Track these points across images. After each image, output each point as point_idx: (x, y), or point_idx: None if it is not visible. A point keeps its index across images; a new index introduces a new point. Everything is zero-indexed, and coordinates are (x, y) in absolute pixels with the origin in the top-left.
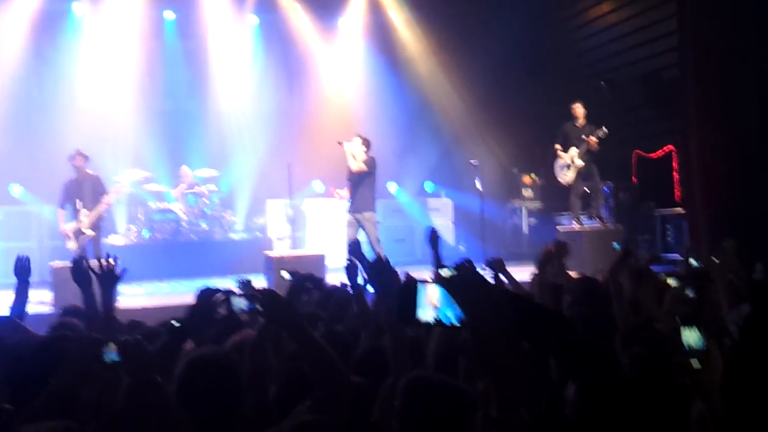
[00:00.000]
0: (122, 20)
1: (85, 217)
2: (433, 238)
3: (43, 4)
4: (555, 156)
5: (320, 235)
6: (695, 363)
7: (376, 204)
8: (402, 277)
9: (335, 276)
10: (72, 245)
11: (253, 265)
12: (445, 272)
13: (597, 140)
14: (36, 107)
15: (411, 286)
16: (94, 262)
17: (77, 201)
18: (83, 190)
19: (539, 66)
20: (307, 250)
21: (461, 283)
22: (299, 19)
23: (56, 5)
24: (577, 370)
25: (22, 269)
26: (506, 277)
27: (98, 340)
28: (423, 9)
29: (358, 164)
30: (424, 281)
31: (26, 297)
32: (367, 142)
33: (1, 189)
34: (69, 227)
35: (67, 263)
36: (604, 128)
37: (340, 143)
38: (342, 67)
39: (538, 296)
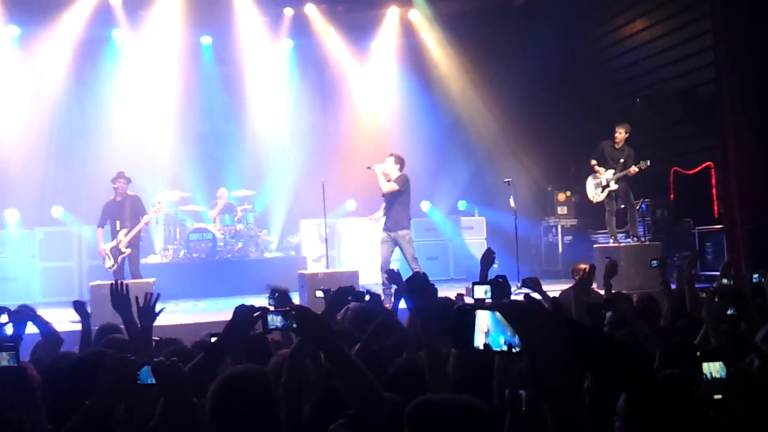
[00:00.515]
0: (160, 46)
1: (124, 236)
2: (488, 258)
3: (85, 31)
4: (590, 171)
5: (354, 254)
6: (717, 395)
7: (410, 222)
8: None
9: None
10: (110, 264)
11: (288, 283)
12: (481, 289)
13: (637, 171)
14: (77, 131)
15: (466, 312)
16: (132, 288)
17: (117, 221)
18: (123, 210)
19: (573, 83)
20: (341, 267)
21: (517, 308)
22: (333, 42)
23: (97, 32)
24: (628, 393)
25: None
26: (543, 297)
27: (134, 361)
28: (455, 29)
29: (388, 186)
30: (478, 307)
31: (45, 324)
32: (400, 160)
33: (43, 210)
34: (107, 247)
35: (105, 282)
36: (648, 162)
37: (369, 168)
38: (375, 88)
39: (574, 314)
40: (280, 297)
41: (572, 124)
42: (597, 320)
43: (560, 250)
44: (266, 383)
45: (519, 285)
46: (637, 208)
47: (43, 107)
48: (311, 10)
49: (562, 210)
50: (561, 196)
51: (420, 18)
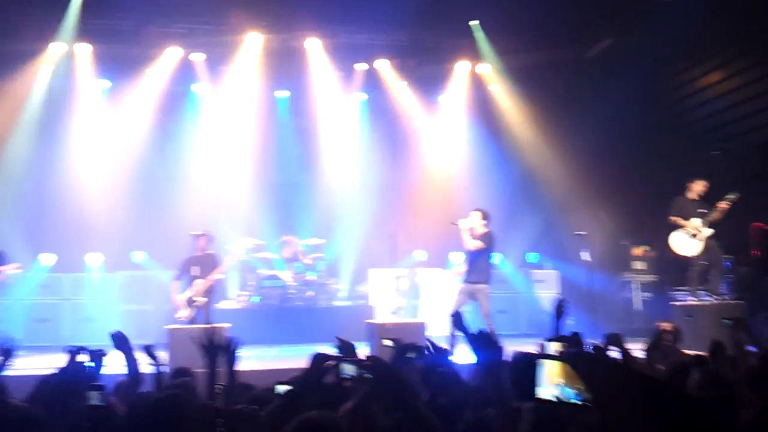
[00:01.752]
0: (238, 99)
1: (200, 286)
2: (560, 309)
3: (168, 85)
4: (670, 227)
5: (424, 304)
6: None
7: (491, 276)
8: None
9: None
10: (184, 314)
11: (356, 332)
12: (554, 346)
13: (729, 204)
14: (159, 180)
15: (529, 362)
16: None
17: (195, 273)
18: (201, 264)
19: (648, 135)
20: (409, 318)
21: (585, 359)
22: (404, 96)
23: (179, 87)
24: None
25: (120, 340)
26: (625, 355)
27: (215, 408)
28: (525, 81)
29: (473, 243)
30: (544, 356)
31: (134, 360)
32: (486, 216)
33: (124, 255)
34: (181, 298)
35: (181, 326)
36: (736, 194)
37: (454, 223)
38: (444, 141)
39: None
40: (345, 348)
41: (648, 177)
42: (679, 379)
43: (637, 306)
44: (341, 429)
45: (592, 342)
46: None
47: (127, 156)
48: (383, 65)
49: (638, 265)
50: (637, 251)
51: (489, 71)
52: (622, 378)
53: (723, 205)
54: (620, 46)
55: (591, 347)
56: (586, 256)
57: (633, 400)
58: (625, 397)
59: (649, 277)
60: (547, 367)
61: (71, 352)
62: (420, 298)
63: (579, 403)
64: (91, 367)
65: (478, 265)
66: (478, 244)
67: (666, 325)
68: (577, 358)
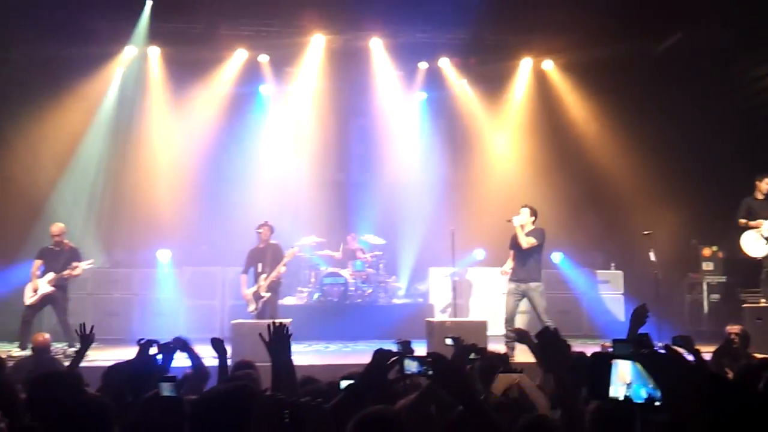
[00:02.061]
0: (302, 99)
1: (264, 281)
2: (640, 316)
3: (235, 87)
4: (740, 228)
5: (482, 304)
6: None
7: (541, 274)
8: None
9: (495, 345)
10: (252, 308)
11: (415, 330)
12: (621, 348)
13: None
14: (224, 179)
15: (603, 359)
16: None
17: (259, 266)
18: (265, 256)
19: (718, 132)
20: (469, 317)
21: (658, 359)
22: (465, 93)
23: (246, 88)
24: None
25: (181, 344)
26: (695, 357)
27: (282, 400)
28: (591, 77)
29: (528, 241)
30: (617, 355)
31: (197, 357)
32: (534, 212)
33: (191, 250)
34: (250, 292)
35: (245, 321)
36: None
37: (509, 221)
38: (506, 138)
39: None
40: (404, 346)
41: (718, 174)
42: (749, 382)
43: (706, 309)
44: (402, 424)
45: (661, 345)
46: None
47: (194, 155)
48: (444, 64)
49: (707, 266)
50: (706, 251)
51: (553, 67)
52: (693, 379)
53: None
54: (689, 40)
55: (662, 348)
56: (652, 256)
57: (704, 401)
58: (697, 397)
59: (718, 279)
60: (619, 367)
61: (142, 344)
62: (470, 297)
63: (650, 402)
64: (162, 359)
65: (529, 262)
66: (531, 242)
67: (735, 329)
68: (649, 358)
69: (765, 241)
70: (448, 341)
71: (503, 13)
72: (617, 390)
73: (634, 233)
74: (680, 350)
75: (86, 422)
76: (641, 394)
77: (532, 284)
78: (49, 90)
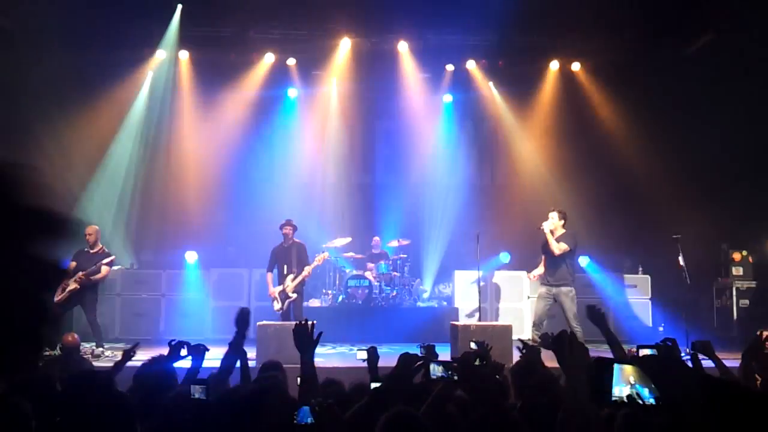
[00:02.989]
0: (329, 102)
1: (291, 281)
2: (593, 315)
3: (263, 90)
4: None
5: (507, 307)
6: None
7: (574, 279)
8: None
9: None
10: (278, 307)
11: (439, 333)
12: (644, 351)
13: None
14: (252, 181)
15: (605, 364)
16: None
17: (284, 266)
18: (290, 255)
19: (750, 134)
20: (494, 320)
21: (659, 364)
22: (492, 96)
23: (274, 91)
24: None
25: (242, 320)
26: (715, 363)
27: (293, 400)
28: (620, 79)
29: (559, 247)
30: (618, 360)
31: (239, 349)
32: (564, 215)
33: (218, 252)
34: (276, 291)
35: (271, 322)
36: None
37: (539, 228)
38: (532, 141)
39: (742, 377)
40: (428, 350)
41: (748, 178)
42: None
43: (735, 314)
44: (428, 427)
45: (688, 350)
46: None
47: (222, 158)
48: (472, 66)
49: (737, 271)
50: (737, 256)
51: (581, 69)
52: (692, 381)
53: None
54: (722, 42)
55: (659, 350)
56: (681, 260)
57: (703, 403)
58: (694, 398)
59: (748, 283)
60: (623, 369)
61: (173, 345)
62: (495, 300)
63: (652, 403)
64: (192, 360)
65: (560, 267)
66: (564, 248)
67: (766, 333)
68: (647, 360)
69: None
70: (473, 345)
71: (531, 15)
72: (621, 391)
73: (662, 237)
74: (700, 356)
75: (109, 420)
76: (645, 395)
77: (564, 288)
78: (80, 93)
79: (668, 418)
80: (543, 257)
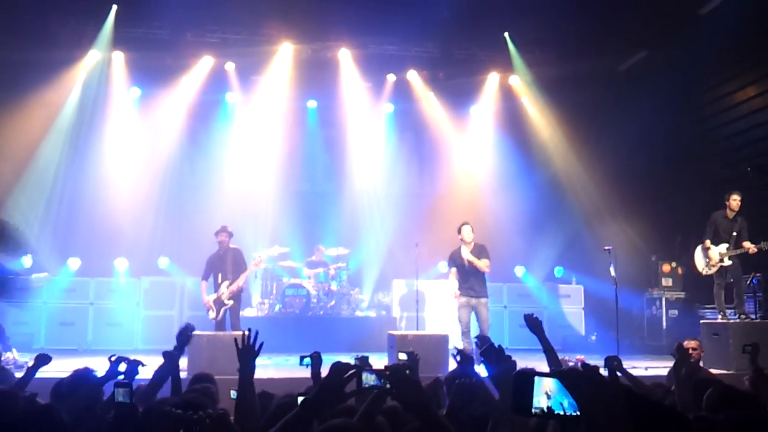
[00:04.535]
0: (269, 108)
1: (226, 288)
2: (533, 324)
3: (200, 94)
4: (698, 242)
5: (444, 316)
6: None
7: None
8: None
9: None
10: (213, 315)
11: (378, 342)
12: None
13: (756, 251)
14: (187, 187)
15: (526, 377)
16: (236, 335)
17: (219, 274)
18: (225, 263)
19: (680, 149)
20: (432, 330)
21: (575, 376)
22: (432, 107)
23: (211, 95)
24: None
25: (185, 336)
26: (625, 375)
27: (177, 416)
28: (556, 93)
29: (487, 264)
30: (538, 373)
31: (174, 363)
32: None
33: (150, 261)
34: (211, 299)
35: (203, 333)
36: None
37: (470, 261)
38: (471, 152)
39: (677, 392)
40: (362, 362)
41: (679, 191)
42: (699, 398)
43: (665, 324)
44: None
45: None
46: (748, 282)
47: (156, 163)
48: (413, 76)
49: (666, 282)
50: (666, 267)
51: (520, 83)
52: (607, 393)
53: (753, 249)
54: (653, 60)
55: (579, 364)
56: (612, 271)
57: (619, 415)
58: (609, 410)
59: (678, 294)
60: (544, 382)
61: (111, 360)
62: (431, 310)
63: (570, 414)
64: (128, 373)
65: (479, 279)
66: (489, 263)
67: (692, 343)
68: (567, 374)
69: (713, 266)
70: (402, 356)
71: (472, 28)
72: (540, 401)
73: (595, 248)
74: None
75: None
76: (560, 406)
77: (483, 299)
78: (8, 93)
79: (584, 429)
80: (454, 269)
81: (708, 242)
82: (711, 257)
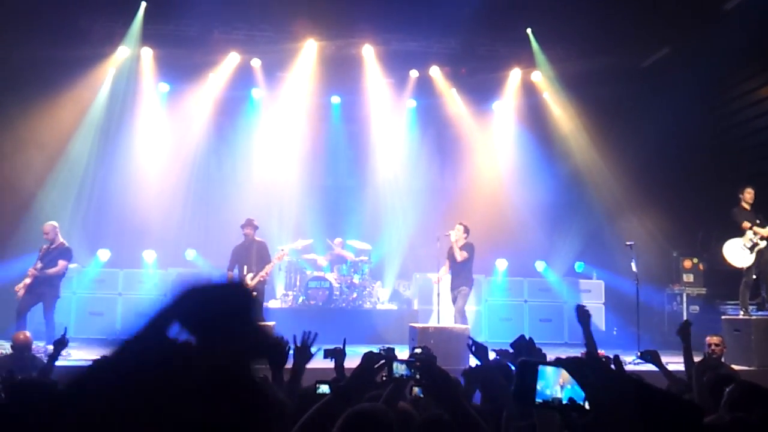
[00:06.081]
0: (294, 104)
1: (250, 280)
2: (583, 316)
3: (227, 89)
4: (719, 237)
5: (466, 309)
6: None
7: (472, 282)
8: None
9: None
10: None
11: (399, 335)
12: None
13: None
14: (214, 181)
15: (529, 366)
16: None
17: (244, 266)
18: (250, 254)
19: (703, 145)
20: (451, 323)
21: (585, 367)
22: (454, 102)
23: (238, 91)
24: None
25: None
26: (661, 369)
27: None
28: (578, 89)
29: (461, 254)
30: (543, 362)
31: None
32: (467, 229)
33: (177, 253)
34: None
35: None
36: None
37: (446, 235)
38: (493, 147)
39: (696, 388)
40: (388, 351)
41: (701, 187)
42: (718, 394)
43: (686, 319)
44: (392, 422)
45: (638, 355)
46: None
47: (184, 157)
48: (435, 72)
49: (688, 278)
50: (687, 263)
51: (542, 79)
52: (616, 384)
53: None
54: (676, 56)
55: (583, 354)
56: (634, 266)
57: (627, 405)
58: (619, 402)
59: (699, 290)
60: (550, 371)
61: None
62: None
63: (577, 404)
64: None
65: (463, 273)
66: (464, 255)
67: (714, 339)
68: (573, 363)
69: (749, 251)
70: (418, 350)
71: (494, 25)
72: (553, 391)
73: (616, 243)
74: (648, 364)
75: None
76: (574, 395)
77: (463, 289)
78: (40, 90)
79: (592, 419)
80: (447, 262)
81: (747, 224)
82: (758, 232)
